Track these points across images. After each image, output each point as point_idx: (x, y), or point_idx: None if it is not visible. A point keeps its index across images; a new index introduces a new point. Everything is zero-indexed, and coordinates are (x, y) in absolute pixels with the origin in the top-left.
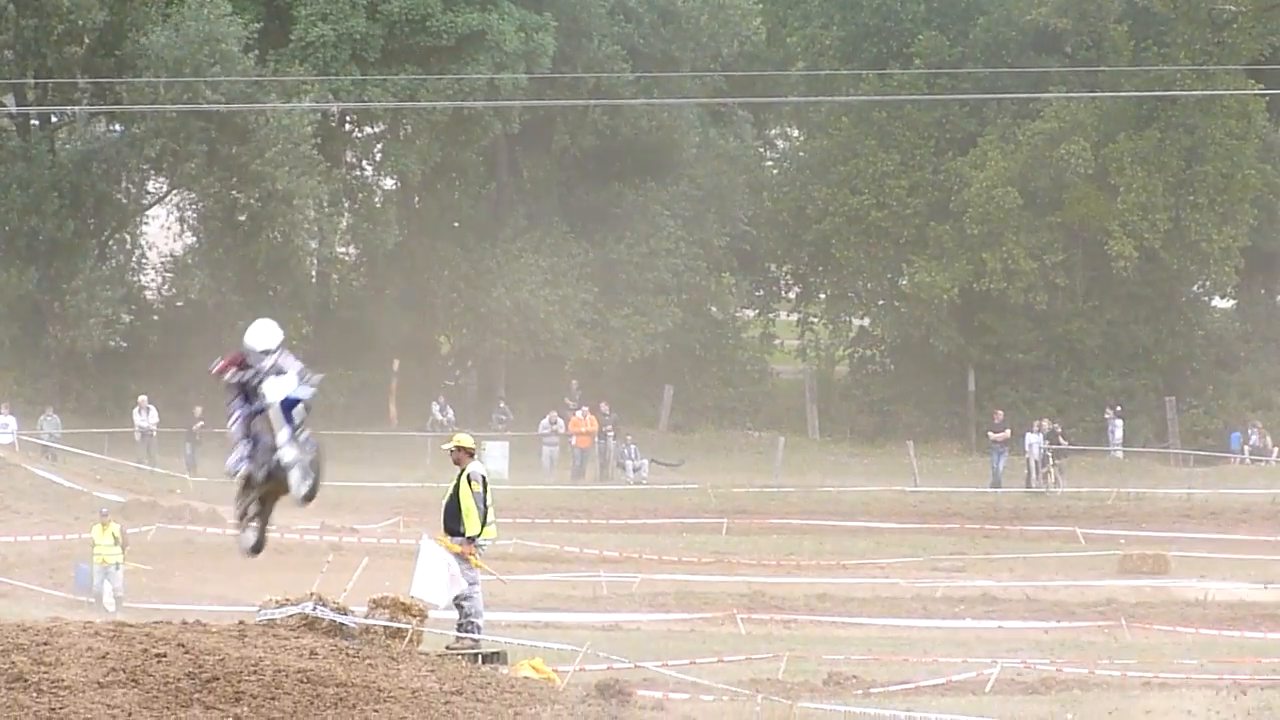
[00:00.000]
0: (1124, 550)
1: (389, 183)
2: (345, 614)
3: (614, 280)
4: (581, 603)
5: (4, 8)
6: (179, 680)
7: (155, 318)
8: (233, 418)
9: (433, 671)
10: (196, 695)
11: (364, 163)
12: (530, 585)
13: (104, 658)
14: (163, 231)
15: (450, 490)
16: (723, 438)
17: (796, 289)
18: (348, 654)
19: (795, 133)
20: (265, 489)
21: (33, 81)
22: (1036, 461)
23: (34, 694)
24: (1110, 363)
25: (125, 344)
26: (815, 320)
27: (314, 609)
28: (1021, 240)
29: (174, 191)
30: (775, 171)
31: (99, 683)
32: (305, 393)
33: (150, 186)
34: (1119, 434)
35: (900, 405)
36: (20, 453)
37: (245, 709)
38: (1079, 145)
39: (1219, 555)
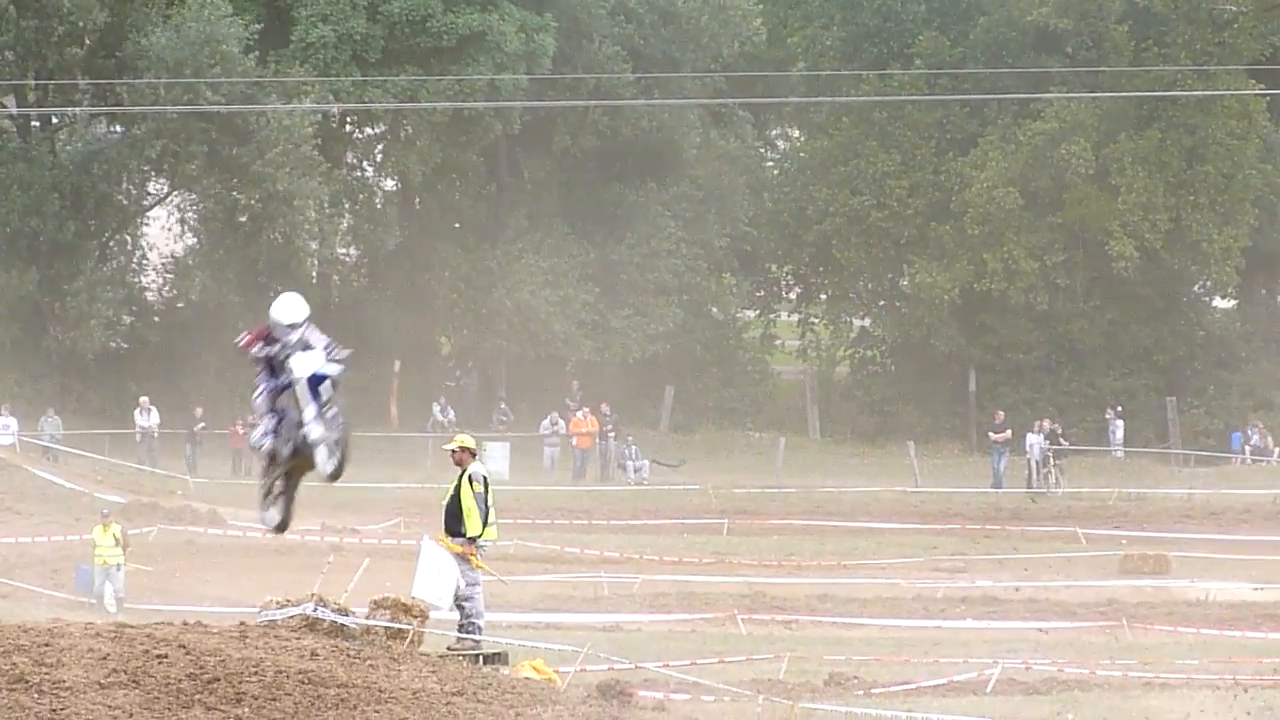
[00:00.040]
0: (1125, 550)
1: (390, 184)
2: (346, 615)
3: (615, 281)
4: (582, 603)
5: (5, 9)
6: (180, 681)
7: (156, 319)
8: (258, 391)
9: (434, 672)
10: (198, 696)
11: (365, 164)
12: (531, 586)
13: (105, 659)
14: (163, 233)
15: (451, 491)
16: (723, 438)
17: (797, 289)
18: (349, 655)
19: (796, 133)
20: (290, 465)
21: (33, 83)
22: (1037, 462)
23: (35, 695)
24: (1111, 363)
25: (126, 345)
26: (816, 321)
27: (315, 610)
28: (1022, 240)
29: (175, 192)
30: (776, 172)
31: (100, 684)
32: (333, 369)
33: (151, 188)
34: (1120, 434)
35: (901, 406)
36: (21, 454)
37: (246, 710)
38: (1080, 145)
39: (1220, 556)
